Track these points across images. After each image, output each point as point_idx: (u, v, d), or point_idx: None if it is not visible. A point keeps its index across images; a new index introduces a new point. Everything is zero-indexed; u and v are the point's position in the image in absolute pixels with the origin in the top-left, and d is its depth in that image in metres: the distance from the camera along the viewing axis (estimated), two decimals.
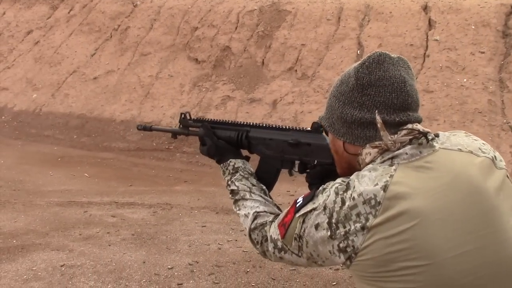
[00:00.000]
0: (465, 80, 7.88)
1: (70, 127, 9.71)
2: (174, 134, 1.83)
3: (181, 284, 3.58)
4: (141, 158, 8.17)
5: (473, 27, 8.48)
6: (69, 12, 12.49)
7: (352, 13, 9.51)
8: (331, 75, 8.74)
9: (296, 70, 9.13)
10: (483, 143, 1.16)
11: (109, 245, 4.31)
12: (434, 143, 1.09)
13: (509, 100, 7.54)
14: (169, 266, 3.87)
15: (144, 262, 3.93)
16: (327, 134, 1.29)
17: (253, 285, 3.59)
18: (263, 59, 9.55)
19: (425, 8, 9.15)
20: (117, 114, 9.68)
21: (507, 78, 7.75)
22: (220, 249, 4.25)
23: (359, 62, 1.16)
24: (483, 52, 8.14)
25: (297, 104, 8.57)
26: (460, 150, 1.11)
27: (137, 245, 4.33)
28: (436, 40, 8.52)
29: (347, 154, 1.18)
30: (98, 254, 4.09)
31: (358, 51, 8.94)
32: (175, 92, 9.72)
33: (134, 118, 9.45)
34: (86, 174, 7.07)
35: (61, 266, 3.85)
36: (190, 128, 1.76)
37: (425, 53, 8.46)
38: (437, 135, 1.12)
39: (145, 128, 1.91)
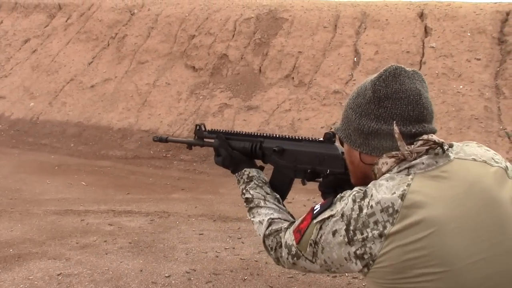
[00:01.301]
0: (461, 86, 7.91)
1: (67, 135, 9.70)
2: (190, 145, 1.87)
3: None
4: (139, 166, 8.16)
5: (469, 34, 8.52)
6: (66, 21, 12.52)
7: (348, 20, 9.56)
8: (328, 82, 8.76)
9: (293, 78, 9.15)
10: (495, 153, 1.19)
11: (106, 254, 4.29)
12: (449, 153, 1.12)
13: (505, 106, 7.57)
14: (166, 274, 3.85)
15: (141, 271, 3.92)
16: (342, 145, 1.31)
17: None
18: (260, 67, 9.57)
19: (421, 16, 9.20)
20: (115, 122, 9.68)
21: (503, 85, 7.78)
22: (217, 257, 4.24)
23: (376, 75, 1.19)
24: (479, 59, 8.18)
25: (294, 111, 8.58)
26: (474, 159, 1.13)
27: (134, 253, 4.31)
28: (432, 47, 8.56)
29: (363, 164, 1.21)
30: (95, 263, 4.08)
31: (355, 58, 8.97)
32: (172, 100, 9.73)
33: (131, 126, 9.45)
34: (83, 183, 7.06)
35: (58, 275, 3.83)
36: (205, 139, 1.79)
37: (421, 60, 8.49)
38: (451, 146, 1.15)
39: (161, 139, 1.94)
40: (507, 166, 1.16)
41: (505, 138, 7.11)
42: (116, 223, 5.19)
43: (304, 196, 5.86)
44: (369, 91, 1.17)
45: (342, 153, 1.40)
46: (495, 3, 9.20)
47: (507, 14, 8.63)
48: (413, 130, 1.12)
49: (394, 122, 1.12)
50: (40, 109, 10.65)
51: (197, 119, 9.09)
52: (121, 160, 8.52)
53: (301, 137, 1.56)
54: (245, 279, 3.80)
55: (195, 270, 3.94)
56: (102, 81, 10.68)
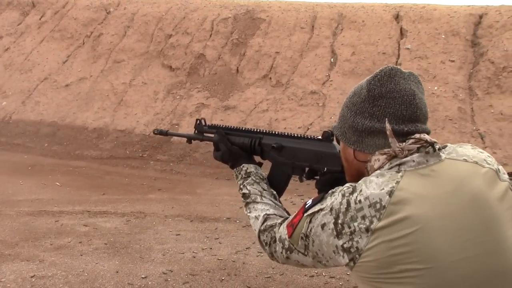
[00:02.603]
0: (436, 88, 8.03)
1: (41, 135, 9.53)
2: (189, 139, 1.89)
3: None
4: (114, 166, 8.07)
5: (443, 36, 8.66)
6: (40, 19, 12.30)
7: (325, 21, 9.62)
8: (305, 82, 8.80)
9: (270, 78, 9.16)
10: (488, 156, 1.21)
11: (81, 255, 4.23)
12: (441, 153, 1.14)
13: (478, 107, 7.71)
14: (143, 276, 3.82)
15: (117, 272, 3.87)
16: (339, 143, 1.34)
17: None
18: (237, 67, 9.56)
19: (397, 17, 9.31)
20: (90, 121, 9.55)
21: (476, 86, 7.93)
22: (194, 257, 4.22)
23: (372, 75, 1.22)
24: (453, 61, 8.32)
25: (271, 111, 8.59)
26: (465, 160, 1.16)
27: (110, 254, 4.26)
28: (408, 48, 8.67)
29: (356, 162, 1.23)
30: (69, 264, 4.01)
31: (332, 59, 9.03)
32: (149, 99, 9.65)
33: (107, 126, 9.33)
34: (57, 183, 6.94)
35: (31, 277, 3.76)
36: (205, 134, 1.81)
37: (397, 62, 8.59)
38: (444, 147, 1.18)
39: (161, 132, 1.96)
40: (498, 169, 1.18)
41: (478, 138, 7.25)
42: (91, 224, 5.12)
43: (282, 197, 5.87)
44: (364, 90, 1.20)
45: (340, 151, 1.42)
46: (469, 6, 9.36)
47: (480, 17, 8.80)
48: (406, 129, 1.14)
49: (386, 119, 1.14)
50: (13, 108, 10.44)
51: (174, 119, 9.03)
52: (97, 160, 8.42)
53: (300, 135, 1.58)
54: (222, 279, 3.79)
55: (172, 271, 3.91)
56: (77, 80, 10.53)
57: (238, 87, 9.24)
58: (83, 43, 11.29)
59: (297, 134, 1.58)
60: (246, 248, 4.44)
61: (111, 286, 3.64)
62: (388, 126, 1.13)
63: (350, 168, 1.28)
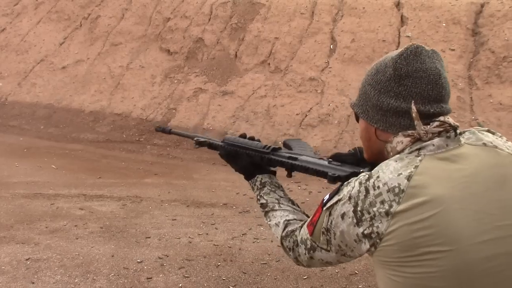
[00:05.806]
0: None
1: (37, 117, 9.47)
2: (198, 143, 1.81)
3: (151, 278, 3.53)
4: (111, 150, 8.03)
5: (444, 24, 8.60)
6: None
7: (325, 7, 9.53)
8: (304, 69, 8.74)
9: (269, 64, 9.09)
10: (506, 141, 1.21)
11: (77, 238, 4.21)
12: (461, 138, 1.14)
13: (478, 97, 7.68)
14: (138, 260, 3.80)
15: (112, 256, 3.86)
16: (357, 121, 1.32)
17: (223, 279, 3.56)
18: (236, 52, 9.48)
19: (398, 5, 9.23)
20: (86, 104, 9.48)
21: (476, 76, 7.89)
22: (190, 242, 4.20)
23: (397, 53, 1.20)
24: (453, 50, 8.26)
25: (269, 97, 8.54)
26: (484, 145, 1.16)
27: (105, 238, 4.24)
28: (408, 36, 8.61)
29: (378, 141, 1.22)
30: (65, 248, 4.00)
31: (331, 46, 8.97)
32: (146, 83, 9.58)
33: (103, 109, 9.27)
34: (53, 166, 6.90)
35: (26, 259, 3.75)
36: (211, 141, 1.76)
37: (397, 49, 8.53)
38: (464, 131, 1.18)
39: (164, 130, 1.87)
40: None
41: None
42: (87, 207, 5.09)
43: None
44: (389, 69, 1.18)
45: (353, 173, 1.33)
46: None
47: (482, 6, 8.73)
48: (432, 110, 1.14)
49: (413, 100, 1.13)
50: (9, 90, 10.36)
51: (171, 103, 8.98)
52: (93, 143, 8.37)
53: (319, 155, 1.50)
54: (218, 265, 3.78)
55: (167, 256, 3.89)
56: (74, 63, 10.43)
57: (236, 72, 9.17)
58: (80, 25, 11.17)
59: (317, 155, 1.51)
60: (242, 234, 4.43)
61: (106, 270, 3.62)
62: (414, 108, 1.12)
63: (371, 147, 1.27)
